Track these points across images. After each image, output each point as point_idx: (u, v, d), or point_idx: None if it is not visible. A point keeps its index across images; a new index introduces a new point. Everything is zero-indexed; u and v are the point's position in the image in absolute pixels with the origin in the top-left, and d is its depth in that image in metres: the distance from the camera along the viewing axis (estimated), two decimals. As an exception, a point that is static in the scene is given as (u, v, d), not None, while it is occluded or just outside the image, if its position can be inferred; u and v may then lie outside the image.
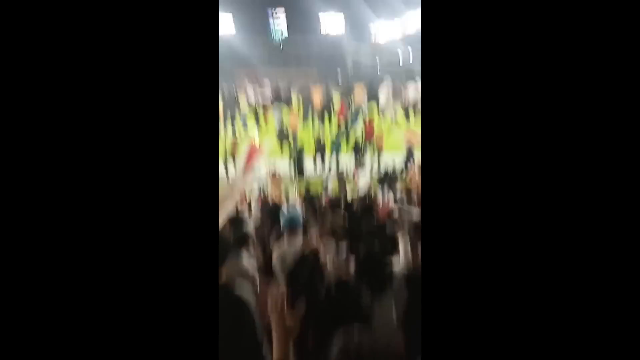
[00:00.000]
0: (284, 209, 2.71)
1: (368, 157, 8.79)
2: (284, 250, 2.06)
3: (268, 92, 11.96)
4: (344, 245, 2.14)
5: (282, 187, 5.90)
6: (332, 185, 7.06)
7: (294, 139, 8.59)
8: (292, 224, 2.27)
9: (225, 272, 1.76)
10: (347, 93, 11.32)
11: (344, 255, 2.03)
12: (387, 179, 6.22)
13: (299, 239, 2.20)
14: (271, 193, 5.48)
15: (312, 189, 6.33)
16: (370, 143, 8.70)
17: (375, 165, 8.64)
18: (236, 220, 2.51)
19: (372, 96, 11.08)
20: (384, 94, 11.06)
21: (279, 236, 2.44)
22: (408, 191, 5.16)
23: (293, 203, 4.33)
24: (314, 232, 2.39)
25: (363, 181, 6.91)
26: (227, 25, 16.70)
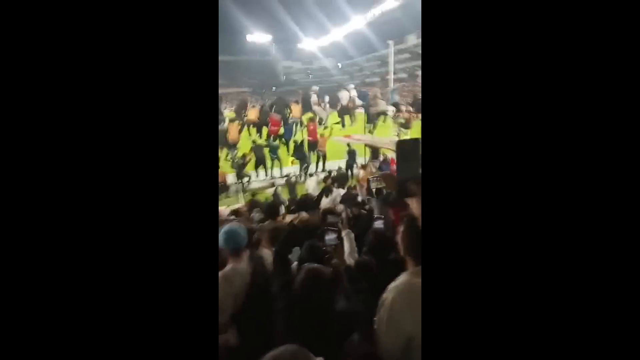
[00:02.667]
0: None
1: (313, 163, 8.79)
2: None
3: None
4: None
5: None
6: (281, 190, 6.83)
7: (234, 149, 8.30)
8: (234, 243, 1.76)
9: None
10: (281, 108, 11.18)
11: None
12: (335, 180, 6.17)
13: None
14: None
15: (261, 197, 6.02)
16: (314, 151, 8.77)
17: (320, 169, 8.68)
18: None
19: (307, 108, 11.12)
20: (316, 103, 11.14)
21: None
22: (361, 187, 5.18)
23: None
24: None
25: (311, 184, 6.79)
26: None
